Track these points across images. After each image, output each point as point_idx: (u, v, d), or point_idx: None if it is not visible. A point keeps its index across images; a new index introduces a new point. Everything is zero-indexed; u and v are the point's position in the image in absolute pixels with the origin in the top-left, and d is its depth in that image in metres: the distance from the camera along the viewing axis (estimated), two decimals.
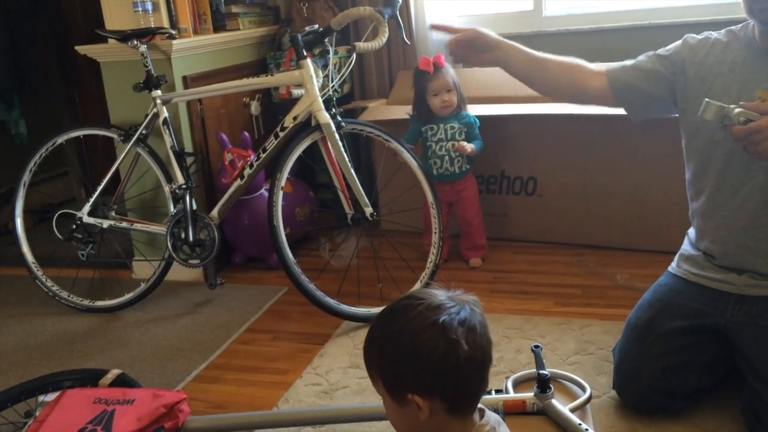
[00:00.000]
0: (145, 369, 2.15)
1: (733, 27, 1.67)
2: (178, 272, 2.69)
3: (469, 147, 2.63)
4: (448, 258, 2.80)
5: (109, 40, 2.61)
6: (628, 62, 1.82)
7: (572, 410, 1.59)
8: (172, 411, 1.68)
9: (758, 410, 1.52)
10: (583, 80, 1.84)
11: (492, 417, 1.12)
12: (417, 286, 2.39)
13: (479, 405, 1.11)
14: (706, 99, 1.45)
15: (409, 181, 2.60)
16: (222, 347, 2.25)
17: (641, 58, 1.81)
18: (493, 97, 2.91)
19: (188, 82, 2.70)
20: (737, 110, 1.42)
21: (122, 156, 2.58)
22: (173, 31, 2.60)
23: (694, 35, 1.73)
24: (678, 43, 1.74)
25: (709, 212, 1.68)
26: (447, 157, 2.65)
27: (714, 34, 1.69)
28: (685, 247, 1.81)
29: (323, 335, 2.27)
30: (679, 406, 1.66)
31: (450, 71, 2.64)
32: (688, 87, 1.68)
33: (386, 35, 2.33)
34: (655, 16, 2.95)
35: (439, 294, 1.09)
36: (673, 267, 1.82)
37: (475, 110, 2.80)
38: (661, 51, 1.77)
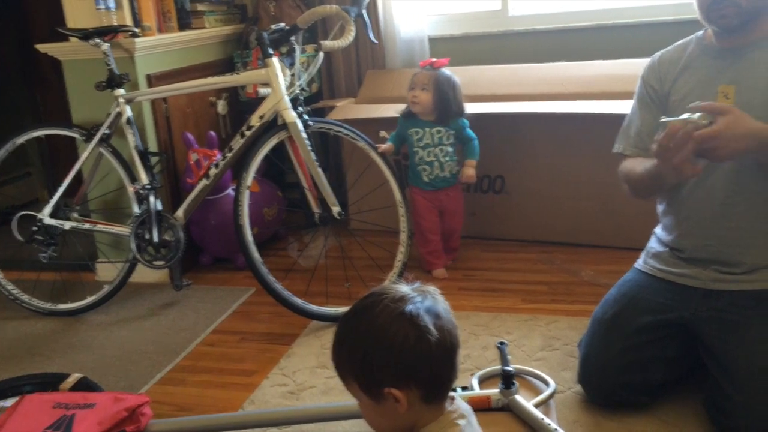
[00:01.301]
0: (108, 373, 2.11)
1: (686, 39, 1.74)
2: (143, 274, 2.65)
3: (471, 172, 2.52)
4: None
5: (71, 39, 2.56)
6: (634, 125, 1.80)
7: (536, 405, 1.60)
8: (134, 414, 1.66)
9: (720, 402, 1.54)
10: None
11: (462, 405, 1.14)
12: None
13: (450, 393, 1.13)
14: (662, 119, 1.47)
15: (377, 180, 2.60)
16: (187, 349, 2.22)
17: (637, 108, 1.80)
18: (462, 96, 2.92)
19: (152, 80, 2.66)
20: (696, 114, 1.41)
21: (84, 156, 2.53)
22: (136, 29, 2.56)
23: (648, 64, 1.78)
24: (645, 66, 1.79)
25: (678, 204, 1.70)
26: (437, 163, 2.54)
27: (663, 52, 1.76)
28: (652, 244, 1.83)
29: (291, 335, 2.25)
30: (643, 400, 1.68)
31: (443, 76, 2.49)
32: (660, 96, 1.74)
33: (353, 34, 2.32)
34: (619, 16, 2.98)
35: (401, 287, 1.12)
36: (639, 263, 1.84)
37: None
38: (637, 100, 1.79)
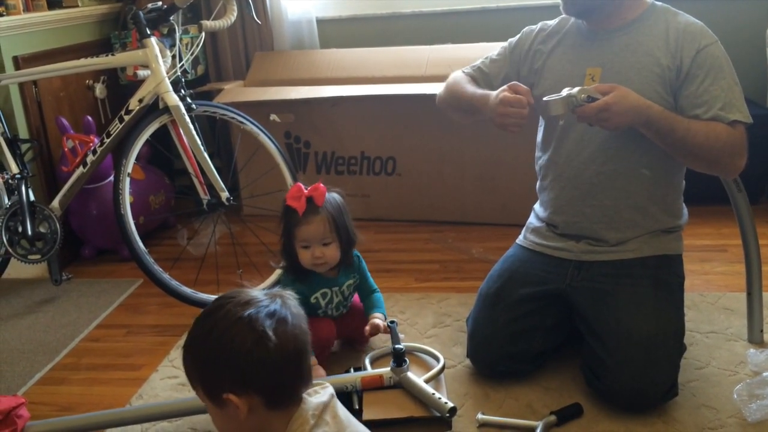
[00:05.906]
0: None
1: (565, 15, 1.79)
2: (18, 269, 2.49)
3: (378, 322, 1.84)
4: None
5: None
6: (487, 59, 1.89)
7: (427, 381, 1.63)
8: (9, 417, 1.57)
9: (594, 366, 1.63)
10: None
11: (311, 404, 1.10)
12: (278, 271, 2.36)
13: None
14: (545, 99, 1.53)
15: (267, 164, 2.55)
16: (69, 346, 2.11)
17: (495, 56, 1.87)
18: (352, 78, 2.92)
19: (20, 62, 2.48)
20: (576, 89, 1.49)
21: None
22: None
23: (531, 27, 1.84)
24: (518, 36, 1.85)
25: (550, 184, 1.79)
26: (336, 311, 1.90)
27: (549, 22, 1.81)
28: (531, 219, 1.91)
29: (181, 326, 2.18)
30: (527, 369, 1.75)
31: (333, 208, 1.77)
32: (529, 77, 1.79)
33: (235, 13, 2.26)
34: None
35: (252, 291, 1.10)
36: (520, 239, 1.91)
37: (332, 91, 2.79)
38: (507, 45, 1.86)
